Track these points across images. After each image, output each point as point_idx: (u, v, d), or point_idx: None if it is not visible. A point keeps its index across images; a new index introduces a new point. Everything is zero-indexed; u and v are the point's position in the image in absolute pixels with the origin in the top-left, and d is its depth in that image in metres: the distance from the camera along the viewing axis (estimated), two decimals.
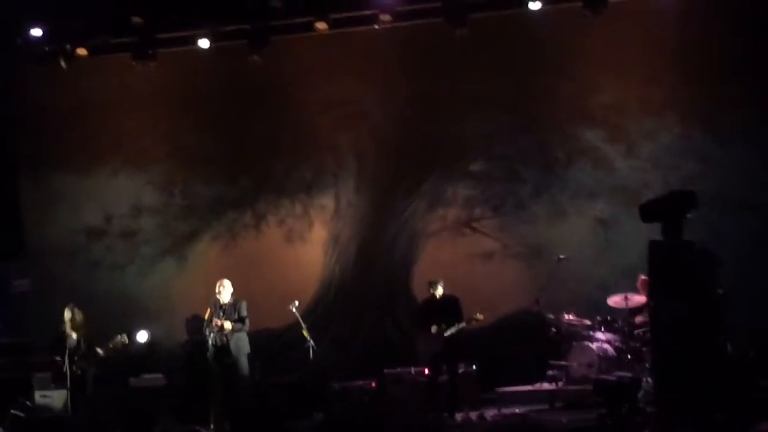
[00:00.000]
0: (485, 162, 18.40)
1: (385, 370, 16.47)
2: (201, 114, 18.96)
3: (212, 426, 14.72)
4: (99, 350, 15.10)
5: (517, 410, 14.81)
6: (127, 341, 15.37)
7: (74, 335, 15.05)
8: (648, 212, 12.49)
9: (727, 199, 16.94)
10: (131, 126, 19.03)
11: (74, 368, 14.83)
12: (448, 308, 15.32)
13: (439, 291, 15.44)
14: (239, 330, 15.07)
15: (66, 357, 14.81)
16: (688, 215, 12.13)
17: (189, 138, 19.00)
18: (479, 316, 15.25)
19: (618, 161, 17.86)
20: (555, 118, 18.08)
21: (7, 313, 17.63)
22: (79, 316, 15.19)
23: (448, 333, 15.13)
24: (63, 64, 17.53)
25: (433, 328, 15.16)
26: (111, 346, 15.20)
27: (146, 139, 19.06)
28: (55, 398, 15.32)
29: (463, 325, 15.17)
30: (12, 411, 14.89)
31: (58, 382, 15.19)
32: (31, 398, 15.52)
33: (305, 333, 15.30)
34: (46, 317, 16.60)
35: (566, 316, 16.32)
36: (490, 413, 14.83)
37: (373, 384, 16.36)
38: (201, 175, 19.00)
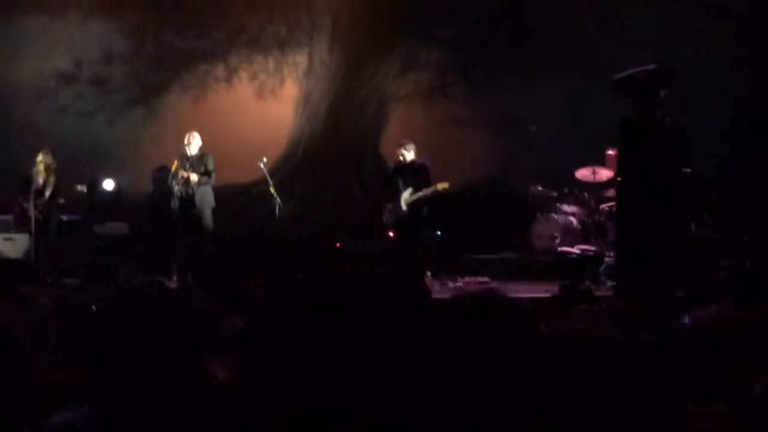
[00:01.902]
0: (459, 28, 18.25)
1: (350, 232, 16.51)
2: None
3: (174, 277, 14.78)
4: (60, 199, 15.04)
5: (480, 279, 14.90)
6: (85, 191, 15.30)
7: (41, 180, 14.95)
8: (621, 86, 12.47)
9: (702, 78, 16.91)
10: None
11: (37, 213, 14.77)
12: (417, 174, 15.28)
13: (407, 154, 15.32)
14: (205, 183, 15.06)
15: (31, 201, 14.74)
16: (662, 92, 12.12)
17: None
18: (443, 185, 15.13)
19: (593, 32, 17.75)
20: None
21: None
22: (52, 161, 15.08)
23: (410, 200, 15.10)
24: None
25: (406, 193, 15.13)
26: (69, 195, 15.14)
27: None
28: (18, 241, 15.29)
29: (429, 191, 15.14)
30: None
31: (20, 225, 15.17)
32: None
33: (272, 190, 15.29)
34: (10, 160, 16.47)
35: (533, 187, 16.37)
36: (452, 282, 14.92)
37: (337, 244, 16.41)
38: (173, 25, 18.73)
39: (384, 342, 1.92)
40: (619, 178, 12.88)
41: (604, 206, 15.66)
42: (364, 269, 2.01)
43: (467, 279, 14.84)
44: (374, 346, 1.92)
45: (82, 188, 15.18)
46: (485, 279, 14.88)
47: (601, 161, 15.83)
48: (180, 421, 2.65)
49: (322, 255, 2.13)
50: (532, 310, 3.10)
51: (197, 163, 15.10)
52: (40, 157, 15.02)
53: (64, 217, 15.59)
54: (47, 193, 14.93)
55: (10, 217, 15.50)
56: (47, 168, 15.00)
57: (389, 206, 15.48)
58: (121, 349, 2.66)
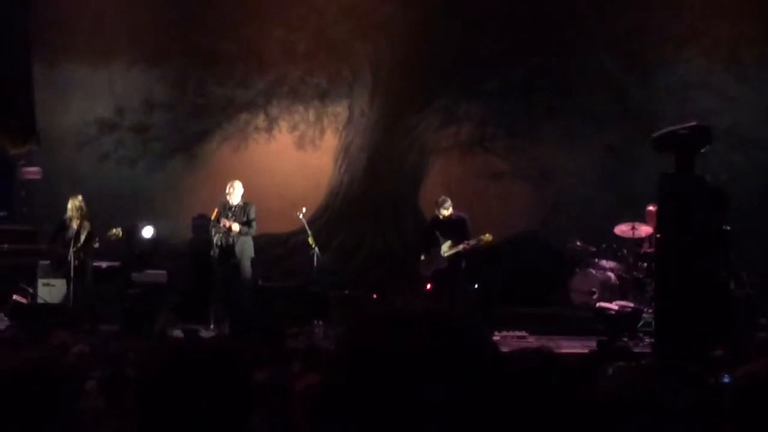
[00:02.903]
0: (500, 81, 18.30)
1: (387, 283, 16.48)
2: (218, 13, 18.77)
3: (211, 326, 14.80)
4: (95, 243, 15.11)
5: (517, 333, 14.85)
6: (120, 234, 15.34)
7: (74, 225, 15.04)
8: (661, 143, 12.46)
9: (742, 136, 16.90)
10: (147, 19, 18.85)
11: (74, 258, 14.83)
12: (455, 227, 15.31)
13: (446, 211, 15.38)
14: (246, 233, 15.12)
15: (70, 247, 14.83)
16: (702, 150, 12.10)
17: (205, 37, 18.84)
18: (487, 237, 15.22)
19: (633, 89, 17.76)
20: (573, 42, 17.95)
21: (14, 200, 17.63)
22: (82, 207, 15.16)
23: (449, 252, 15.13)
24: None
25: (445, 245, 15.16)
26: (106, 238, 15.20)
27: (162, 36, 18.88)
28: (57, 287, 15.37)
29: (466, 245, 15.16)
30: (14, 297, 14.97)
31: (58, 271, 15.26)
32: (34, 286, 15.57)
33: (311, 240, 15.32)
34: (52, 207, 16.59)
35: (572, 242, 16.34)
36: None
37: (374, 295, 16.39)
38: (215, 75, 18.87)
39: (466, 399, 1.95)
40: (658, 234, 12.84)
41: (643, 262, 15.59)
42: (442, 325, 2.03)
43: (504, 333, 14.79)
44: (455, 403, 1.94)
45: (117, 231, 15.21)
46: (523, 333, 14.84)
47: (641, 217, 15.76)
48: None
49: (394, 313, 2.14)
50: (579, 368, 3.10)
51: (240, 212, 15.17)
52: (69, 204, 15.10)
53: (103, 264, 15.68)
54: (82, 239, 15.00)
55: (48, 263, 15.61)
56: (79, 214, 15.08)
57: (427, 258, 15.49)
58: (164, 400, 2.67)
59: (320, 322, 15.31)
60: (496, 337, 14.35)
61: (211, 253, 15.10)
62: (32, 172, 18.09)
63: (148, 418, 2.71)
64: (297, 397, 4.81)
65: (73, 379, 3.25)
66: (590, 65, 17.90)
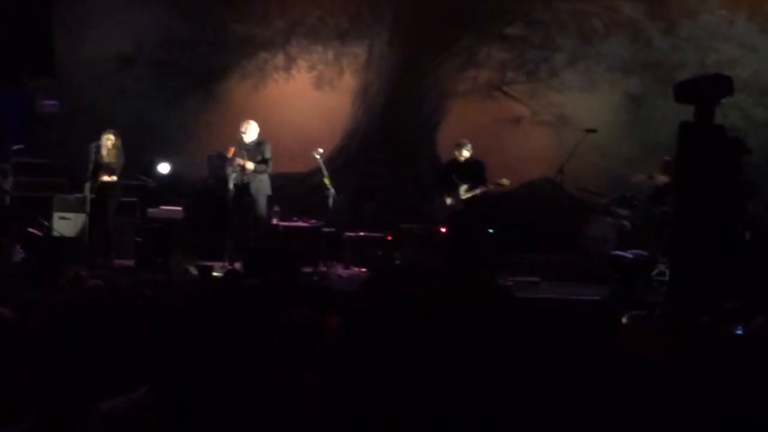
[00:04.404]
0: (522, 26, 18.21)
1: (402, 225, 16.49)
2: None
3: (224, 263, 14.84)
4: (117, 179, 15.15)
5: (530, 279, 14.87)
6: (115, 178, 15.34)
7: (105, 159, 15.04)
8: (682, 92, 12.39)
9: (763, 88, 16.80)
10: None
11: (93, 193, 14.86)
12: (472, 171, 15.31)
13: (465, 154, 15.42)
14: (261, 171, 15.10)
15: (89, 181, 14.85)
16: (722, 100, 12.04)
17: None
18: (505, 181, 15.25)
19: (656, 38, 17.66)
20: None
21: (32, 133, 17.62)
22: (117, 143, 15.16)
23: (467, 195, 15.16)
24: None
25: (462, 188, 15.18)
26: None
27: None
28: (73, 221, 15.42)
29: (484, 188, 15.19)
30: (29, 230, 15.01)
31: (77, 204, 15.30)
32: (50, 219, 15.60)
33: (327, 181, 15.28)
34: (70, 140, 16.59)
35: (588, 189, 16.31)
36: (503, 280, 14.87)
37: (389, 237, 16.41)
38: (235, 12, 18.78)
39: (476, 342, 1.96)
40: (675, 184, 12.80)
41: (659, 211, 15.54)
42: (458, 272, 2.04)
43: (518, 278, 14.79)
44: (467, 345, 1.95)
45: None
46: (536, 279, 14.85)
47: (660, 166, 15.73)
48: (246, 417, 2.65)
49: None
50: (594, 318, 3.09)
51: (255, 150, 15.15)
52: (107, 140, 15.07)
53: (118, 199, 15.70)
54: (107, 174, 15.02)
55: (69, 197, 15.64)
56: (116, 149, 15.09)
57: (442, 202, 15.51)
58: (190, 339, 2.65)
59: (335, 263, 15.35)
60: (509, 282, 14.36)
61: (227, 191, 15.10)
62: (50, 105, 18.07)
63: (171, 356, 2.70)
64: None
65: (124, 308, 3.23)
66: (614, 12, 17.79)
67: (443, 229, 15.78)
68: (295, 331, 4.49)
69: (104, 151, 15.03)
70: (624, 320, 5.78)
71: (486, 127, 17.74)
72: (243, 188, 15.07)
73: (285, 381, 2.90)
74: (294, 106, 18.35)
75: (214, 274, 13.80)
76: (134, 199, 16.01)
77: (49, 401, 3.01)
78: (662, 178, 15.51)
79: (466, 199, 15.19)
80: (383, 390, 1.93)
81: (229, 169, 15.09)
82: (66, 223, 15.42)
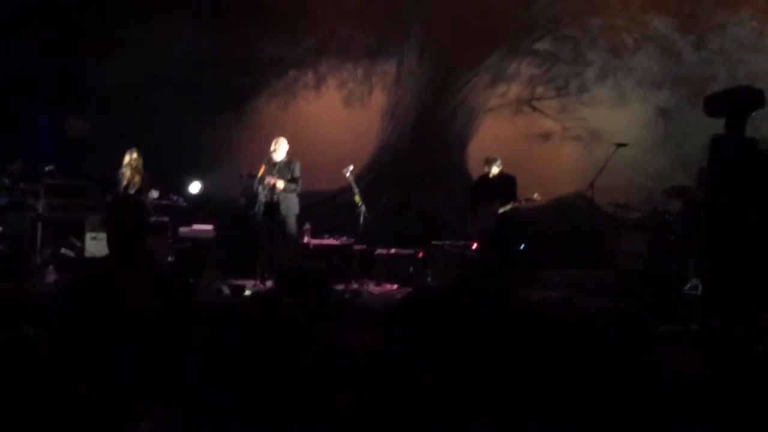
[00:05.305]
0: (552, 41, 18.20)
1: (433, 242, 16.46)
2: None
3: (256, 281, 14.84)
4: (153, 194, 15.17)
5: (563, 295, 14.80)
6: (156, 196, 15.36)
7: (125, 180, 15.11)
8: (713, 105, 12.32)
9: None
10: None
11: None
12: (503, 187, 15.29)
13: (495, 170, 15.39)
14: (291, 190, 15.10)
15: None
16: (753, 113, 11.98)
17: None
18: (536, 197, 15.21)
19: (686, 51, 17.61)
20: (626, 2, 17.80)
21: (63, 154, 17.70)
22: (136, 161, 15.23)
23: (501, 211, 15.13)
24: None
25: (496, 205, 15.16)
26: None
27: None
28: (104, 241, 15.44)
29: (517, 204, 15.16)
30: (62, 250, 15.06)
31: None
32: (82, 239, 15.66)
33: (357, 198, 15.26)
34: (101, 161, 16.65)
35: (620, 203, 16.25)
36: (534, 294, 14.82)
37: (420, 254, 16.39)
38: (265, 32, 18.84)
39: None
40: (707, 197, 12.73)
41: (691, 226, 15.46)
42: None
43: (549, 293, 14.73)
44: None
45: (153, 193, 15.25)
46: (568, 294, 14.79)
47: (690, 180, 15.64)
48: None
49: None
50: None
51: (284, 169, 15.15)
52: (126, 158, 15.19)
53: (151, 219, 15.73)
54: (131, 192, 15.08)
55: (98, 216, 15.70)
56: (132, 168, 15.15)
57: (474, 218, 15.49)
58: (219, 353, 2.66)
59: (366, 280, 15.34)
60: (541, 298, 14.31)
61: (256, 209, 15.11)
62: (80, 127, 18.17)
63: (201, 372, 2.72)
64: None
65: None
66: (644, 27, 17.76)
67: (474, 246, 15.75)
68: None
69: (127, 170, 15.12)
70: (658, 335, 5.75)
71: (516, 143, 17.73)
72: (273, 207, 15.08)
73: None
74: (324, 124, 18.39)
75: (246, 292, 13.80)
76: (166, 219, 16.05)
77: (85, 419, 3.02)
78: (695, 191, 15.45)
79: (500, 215, 15.16)
80: (419, 405, 1.94)
81: (258, 188, 15.10)
82: (98, 243, 15.45)
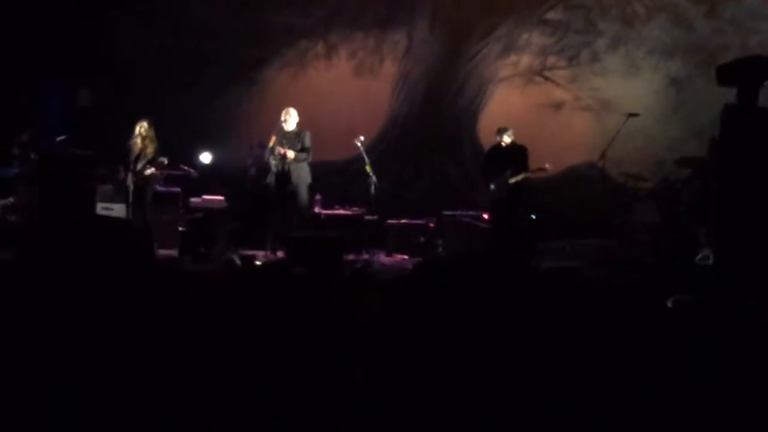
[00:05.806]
0: (563, 10, 18.13)
1: (444, 212, 16.45)
2: None
3: (266, 252, 14.85)
4: (163, 160, 15.15)
5: (573, 264, 14.79)
6: (166, 163, 15.33)
7: (136, 150, 15.10)
8: (725, 75, 12.26)
9: None
10: None
11: (133, 183, 14.89)
12: (515, 157, 15.25)
13: (506, 139, 15.34)
14: (302, 160, 15.07)
15: (128, 170, 14.91)
16: (766, 82, 11.93)
17: None
18: (548, 166, 15.17)
19: (698, 21, 17.53)
20: None
21: (74, 125, 17.69)
22: (148, 131, 15.20)
23: (512, 180, 15.11)
24: None
25: (507, 174, 15.13)
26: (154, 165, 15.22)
27: None
28: (116, 211, 15.47)
29: (528, 174, 15.13)
30: None
31: (118, 195, 15.36)
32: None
33: (368, 169, 15.23)
34: (110, 131, 16.64)
35: (631, 173, 16.23)
36: (545, 264, 14.81)
37: (431, 225, 16.38)
38: (276, 2, 18.79)
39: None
40: (719, 166, 12.69)
41: (703, 195, 15.42)
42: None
43: (560, 263, 14.72)
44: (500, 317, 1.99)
45: (163, 160, 15.22)
46: (579, 264, 14.78)
47: (703, 149, 15.60)
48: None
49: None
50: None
51: (294, 139, 15.11)
52: (137, 129, 15.16)
53: (161, 188, 15.73)
54: (141, 164, 15.05)
55: (109, 187, 15.70)
56: (144, 138, 15.13)
57: (486, 188, 15.47)
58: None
59: (377, 251, 15.34)
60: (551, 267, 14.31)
61: (268, 180, 15.09)
62: (85, 96, 18.17)
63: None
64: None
65: None
66: None
67: (486, 216, 15.74)
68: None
69: (138, 140, 15.11)
70: (668, 304, 5.74)
71: (528, 113, 17.71)
72: (284, 177, 15.05)
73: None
74: (334, 94, 18.35)
75: (257, 262, 13.82)
76: (177, 189, 16.06)
77: None
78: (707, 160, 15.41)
79: (511, 185, 15.12)
80: (430, 372, 1.94)
81: (269, 158, 15.07)
82: (109, 214, 15.47)
